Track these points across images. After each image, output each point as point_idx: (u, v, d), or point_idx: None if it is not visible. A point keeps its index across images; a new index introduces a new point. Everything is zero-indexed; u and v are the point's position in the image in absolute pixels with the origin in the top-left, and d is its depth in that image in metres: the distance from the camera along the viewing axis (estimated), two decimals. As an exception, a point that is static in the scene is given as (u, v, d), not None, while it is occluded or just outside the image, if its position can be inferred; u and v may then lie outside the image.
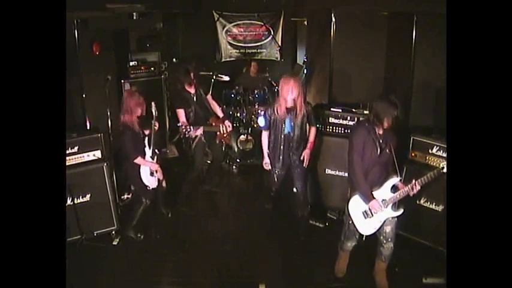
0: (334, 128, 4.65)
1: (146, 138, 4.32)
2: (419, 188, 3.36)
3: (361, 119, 4.52)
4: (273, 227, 4.72)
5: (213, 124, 4.96)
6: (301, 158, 4.20)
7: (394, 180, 3.44)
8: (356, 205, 3.53)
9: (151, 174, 4.33)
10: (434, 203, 4.08)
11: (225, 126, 4.97)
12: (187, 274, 3.90)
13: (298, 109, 4.01)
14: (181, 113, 4.76)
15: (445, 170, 3.31)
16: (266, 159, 4.29)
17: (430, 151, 4.07)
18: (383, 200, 3.44)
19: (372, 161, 3.41)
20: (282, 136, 4.10)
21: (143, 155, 4.28)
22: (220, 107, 5.22)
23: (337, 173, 4.67)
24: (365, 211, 3.50)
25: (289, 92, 3.90)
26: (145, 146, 4.31)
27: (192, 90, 4.84)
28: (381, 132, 3.41)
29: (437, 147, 4.02)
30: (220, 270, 4.00)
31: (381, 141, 3.41)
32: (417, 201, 4.12)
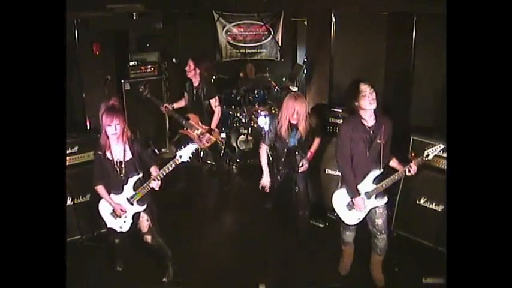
0: (334, 128, 4.64)
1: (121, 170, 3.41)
2: (416, 168, 3.27)
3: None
4: (273, 227, 4.71)
5: (190, 121, 5.12)
6: (301, 164, 4.09)
7: (376, 173, 3.40)
8: (340, 198, 3.55)
9: (115, 216, 3.56)
10: (434, 203, 4.08)
11: (205, 136, 5.10)
12: (187, 274, 3.90)
13: (302, 126, 3.91)
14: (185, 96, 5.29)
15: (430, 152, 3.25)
16: (265, 178, 4.15)
17: (430, 151, 4.06)
18: (366, 192, 3.43)
19: (361, 156, 3.36)
20: (286, 149, 4.03)
21: (115, 190, 3.48)
22: (218, 120, 5.21)
23: (337, 173, 4.64)
24: (349, 203, 3.51)
25: (295, 111, 3.80)
26: (123, 183, 3.44)
27: (193, 79, 5.09)
28: (370, 124, 3.32)
29: (438, 147, 4.02)
30: (220, 270, 4.00)
31: (371, 133, 3.32)
32: (417, 201, 4.13)
